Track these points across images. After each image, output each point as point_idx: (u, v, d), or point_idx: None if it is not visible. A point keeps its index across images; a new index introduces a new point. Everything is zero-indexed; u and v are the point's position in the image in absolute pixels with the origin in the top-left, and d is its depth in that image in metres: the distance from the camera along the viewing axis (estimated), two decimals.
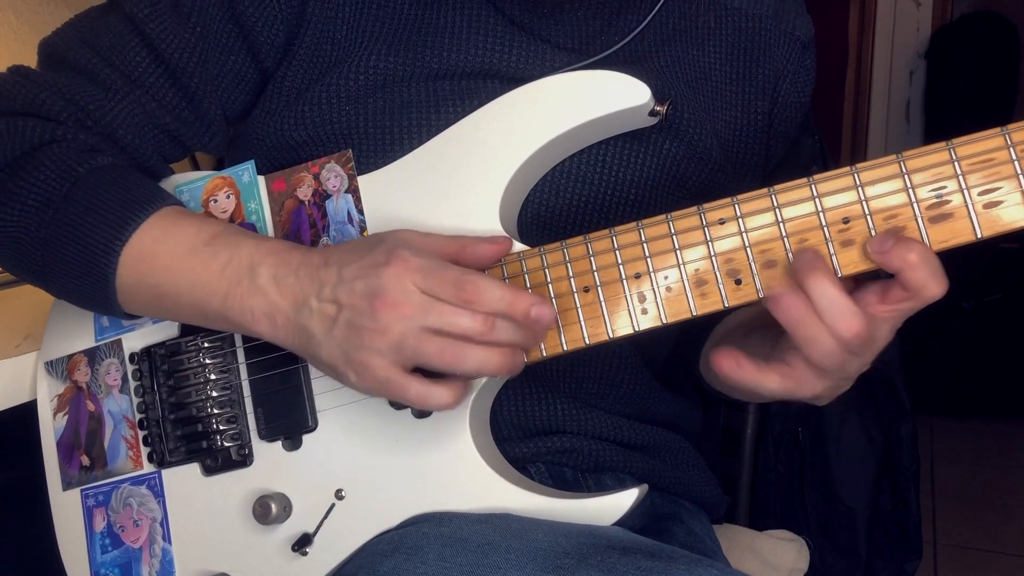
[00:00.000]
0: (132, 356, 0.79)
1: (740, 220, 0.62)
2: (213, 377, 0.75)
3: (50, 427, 0.82)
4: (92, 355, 0.80)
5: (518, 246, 0.68)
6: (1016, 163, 0.56)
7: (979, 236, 0.57)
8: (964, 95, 3.38)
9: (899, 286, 0.57)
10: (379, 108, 0.75)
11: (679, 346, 0.94)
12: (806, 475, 1.20)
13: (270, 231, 0.75)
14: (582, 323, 0.65)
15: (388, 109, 0.75)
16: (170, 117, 0.76)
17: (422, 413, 0.70)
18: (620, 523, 0.68)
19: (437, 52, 0.75)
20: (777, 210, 0.61)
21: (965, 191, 0.57)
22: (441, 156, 0.72)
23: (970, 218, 0.57)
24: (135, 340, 0.79)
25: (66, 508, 0.80)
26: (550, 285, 0.66)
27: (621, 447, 0.83)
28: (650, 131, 0.76)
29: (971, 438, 2.81)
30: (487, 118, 0.71)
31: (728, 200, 0.62)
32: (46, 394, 0.82)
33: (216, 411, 0.75)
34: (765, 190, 0.61)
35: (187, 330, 0.76)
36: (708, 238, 0.62)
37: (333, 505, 0.72)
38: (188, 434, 0.76)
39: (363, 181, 0.74)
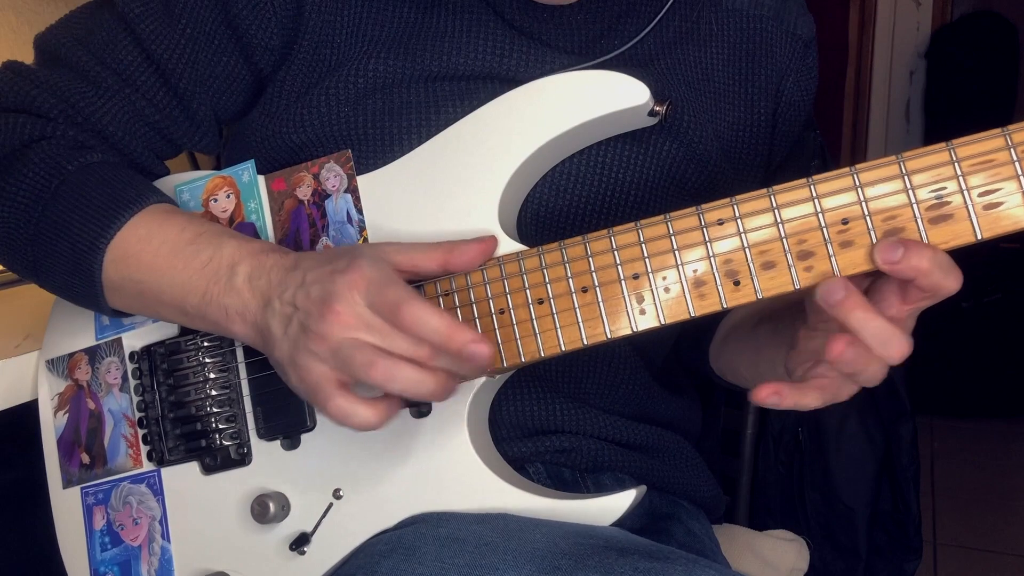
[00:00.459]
0: (132, 355, 0.79)
1: (739, 221, 0.61)
2: (212, 376, 0.76)
3: (51, 425, 0.82)
4: (93, 354, 0.80)
5: (517, 246, 0.68)
6: (1017, 164, 0.56)
7: (979, 237, 0.57)
8: (964, 95, 3.38)
9: (916, 288, 0.57)
10: (378, 109, 0.75)
11: (680, 344, 0.94)
12: (806, 475, 1.20)
13: (270, 231, 0.76)
14: (580, 323, 0.65)
15: (387, 110, 0.75)
16: (160, 115, 0.77)
17: (420, 412, 0.70)
18: (618, 523, 0.68)
19: (436, 56, 0.75)
20: (776, 211, 0.60)
21: (965, 192, 0.57)
22: (440, 156, 0.72)
23: (970, 219, 0.57)
24: (135, 339, 0.79)
25: (66, 506, 0.81)
26: (548, 285, 0.66)
27: (620, 447, 0.83)
28: (650, 132, 0.76)
29: (971, 438, 2.81)
30: (486, 118, 0.71)
31: (727, 201, 0.62)
32: (47, 392, 0.82)
33: (215, 410, 0.75)
34: (764, 191, 0.61)
35: (186, 329, 0.76)
36: (707, 239, 0.62)
37: (331, 504, 0.72)
38: (187, 433, 0.76)
39: (362, 181, 0.74)
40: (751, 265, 0.61)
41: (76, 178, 0.71)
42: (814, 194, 0.60)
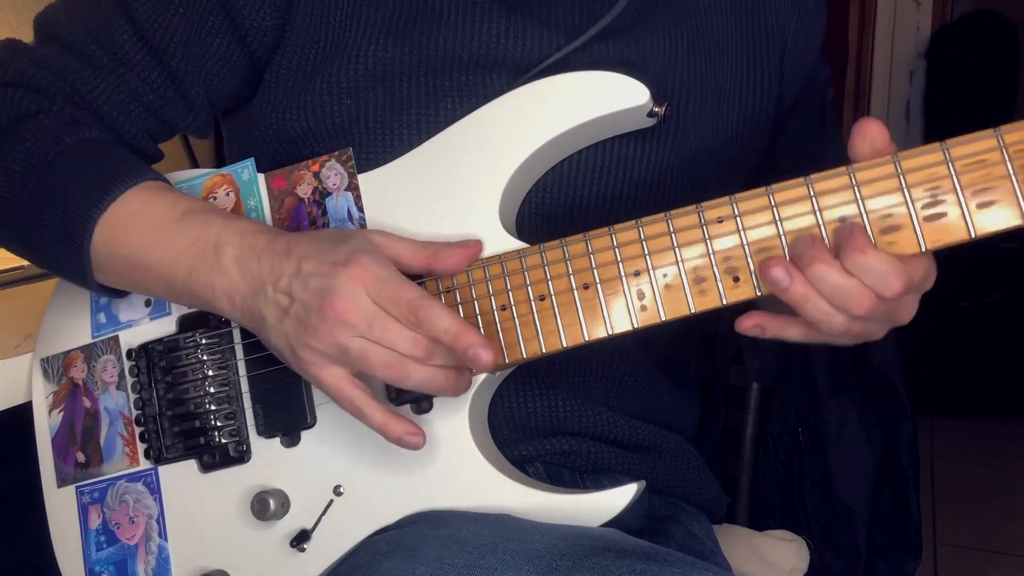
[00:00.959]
0: (129, 353, 0.78)
1: (738, 219, 0.62)
2: (211, 373, 0.75)
3: (45, 424, 0.81)
4: (89, 352, 0.80)
5: (518, 244, 0.69)
6: (1009, 164, 0.57)
7: (973, 236, 0.58)
8: (964, 95, 3.39)
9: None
10: (380, 102, 0.75)
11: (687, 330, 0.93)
12: (806, 475, 1.20)
13: None
14: (582, 320, 0.65)
15: (388, 104, 0.75)
16: (154, 95, 0.77)
17: (421, 409, 0.70)
18: (618, 524, 0.68)
19: (435, 40, 0.75)
20: (774, 209, 0.61)
21: (959, 191, 0.58)
22: (441, 155, 0.72)
23: (964, 218, 0.58)
24: (132, 337, 0.79)
25: (60, 505, 0.80)
26: (550, 282, 0.66)
27: (621, 449, 0.83)
28: (650, 130, 0.76)
29: (971, 438, 2.81)
30: (487, 117, 0.71)
31: (726, 199, 0.63)
32: (41, 391, 0.82)
33: (214, 407, 0.75)
34: (763, 189, 0.62)
35: (185, 327, 0.76)
36: (706, 236, 0.63)
37: (331, 501, 0.72)
38: (185, 431, 0.76)
39: (363, 179, 0.74)
40: (750, 262, 0.62)
41: (73, 151, 0.72)
42: (812, 192, 0.61)
